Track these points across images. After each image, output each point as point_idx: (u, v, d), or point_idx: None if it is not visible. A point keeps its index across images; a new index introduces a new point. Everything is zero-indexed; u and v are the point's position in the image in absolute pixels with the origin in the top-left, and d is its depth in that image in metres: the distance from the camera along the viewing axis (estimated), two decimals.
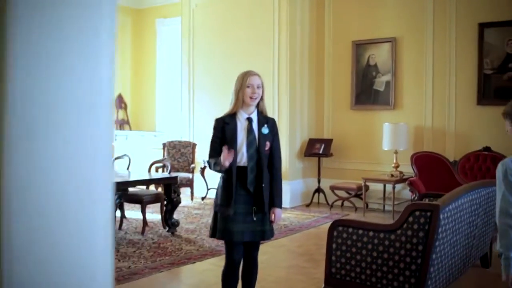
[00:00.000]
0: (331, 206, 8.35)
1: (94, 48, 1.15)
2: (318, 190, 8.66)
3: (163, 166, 7.97)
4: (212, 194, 6.76)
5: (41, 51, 1.06)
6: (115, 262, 5.16)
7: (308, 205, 8.58)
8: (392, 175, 7.71)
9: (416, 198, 6.93)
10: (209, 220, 6.61)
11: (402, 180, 7.63)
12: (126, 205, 7.09)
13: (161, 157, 9.28)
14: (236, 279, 3.46)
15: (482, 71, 7.42)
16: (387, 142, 7.79)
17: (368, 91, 8.45)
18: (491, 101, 7.34)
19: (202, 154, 8.52)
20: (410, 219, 3.39)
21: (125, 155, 7.61)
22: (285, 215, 7.79)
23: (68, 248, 1.12)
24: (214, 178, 5.95)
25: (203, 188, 8.77)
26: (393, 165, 7.81)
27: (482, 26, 7.38)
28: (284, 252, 5.77)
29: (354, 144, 8.61)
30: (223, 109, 3.50)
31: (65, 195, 1.11)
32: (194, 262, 5.25)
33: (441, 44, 7.74)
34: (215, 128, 3.41)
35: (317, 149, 8.55)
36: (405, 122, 7.87)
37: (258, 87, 3.37)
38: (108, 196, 1.19)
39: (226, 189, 3.34)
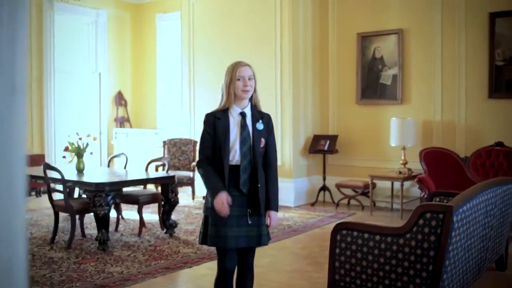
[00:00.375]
0: (337, 204, 8.06)
1: None
2: (324, 188, 8.36)
3: (163, 165, 7.69)
4: None
5: None
6: (108, 267, 4.89)
7: (313, 204, 8.29)
8: (400, 172, 7.41)
9: (425, 196, 6.63)
10: None
11: (410, 177, 7.32)
12: (125, 206, 6.83)
13: (162, 156, 9.01)
14: None
15: (494, 62, 7.10)
16: (394, 138, 7.49)
17: (374, 85, 8.14)
18: (503, 94, 7.03)
19: None
20: (421, 221, 3.09)
21: (122, 153, 7.33)
22: (289, 214, 7.51)
23: None
24: None
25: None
26: (401, 161, 7.51)
27: (493, 16, 7.05)
28: (287, 254, 5.48)
29: (360, 140, 8.30)
30: None
31: None
32: (191, 266, 4.97)
33: (450, 35, 7.42)
34: (205, 123, 3.12)
35: (322, 146, 8.26)
36: (413, 117, 7.56)
37: (250, 79, 3.09)
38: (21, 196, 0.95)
39: None
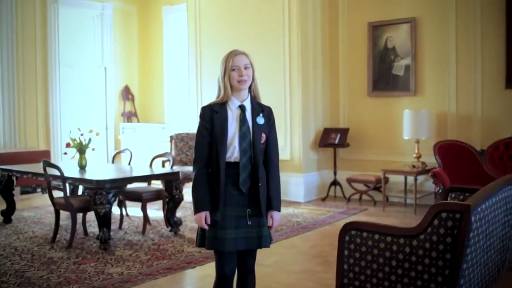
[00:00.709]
0: (348, 200, 7.82)
1: None
2: (334, 183, 8.12)
3: (168, 160, 7.50)
4: None
5: None
6: (108, 268, 4.70)
7: (323, 199, 8.05)
8: (413, 166, 7.15)
9: (440, 191, 6.37)
10: None
11: (424, 171, 7.05)
12: (131, 202, 6.62)
13: (169, 151, 8.82)
14: None
15: (511, 51, 6.79)
16: (407, 130, 7.22)
17: (386, 76, 7.87)
18: None
19: None
20: (436, 221, 2.84)
21: (126, 149, 7.13)
22: (298, 210, 7.28)
23: None
24: None
25: None
26: (414, 155, 7.24)
27: (511, 1, 6.75)
28: (296, 253, 5.25)
29: (372, 134, 8.04)
30: None
31: None
32: (194, 267, 4.76)
33: (465, 23, 7.12)
34: (202, 117, 2.90)
35: (332, 139, 8.01)
36: (427, 109, 7.27)
37: (246, 68, 2.85)
38: None
39: (213, 189, 2.83)
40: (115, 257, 5.05)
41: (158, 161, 7.95)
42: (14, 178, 6.74)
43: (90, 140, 6.25)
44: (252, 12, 8.34)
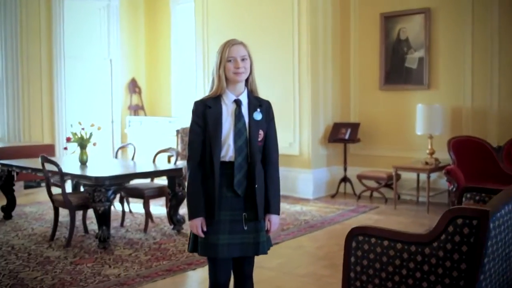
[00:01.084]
0: (359, 197, 7.57)
1: None
2: (344, 179, 7.87)
3: (172, 156, 7.28)
4: None
5: None
6: (105, 269, 4.50)
7: (333, 196, 7.81)
8: (426, 163, 6.88)
9: (454, 189, 6.10)
10: None
11: (438, 168, 6.79)
12: (134, 199, 6.40)
13: (174, 145, 8.63)
14: None
15: None
16: (420, 125, 6.95)
17: (399, 69, 7.59)
18: None
19: None
20: (450, 228, 2.60)
21: (130, 143, 6.94)
22: (307, 208, 7.05)
23: None
24: None
25: None
26: (427, 151, 6.97)
27: None
28: (301, 255, 5.02)
29: (384, 129, 7.77)
30: None
31: None
32: (194, 269, 4.54)
33: (482, 14, 6.82)
34: (194, 113, 2.67)
35: (342, 134, 7.76)
36: (441, 103, 7.00)
37: (243, 59, 2.62)
38: None
39: (206, 190, 2.61)
40: (113, 257, 4.85)
41: (164, 156, 7.76)
42: (14, 174, 6.57)
43: (91, 134, 6.06)
44: (260, 3, 8.09)
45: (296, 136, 7.81)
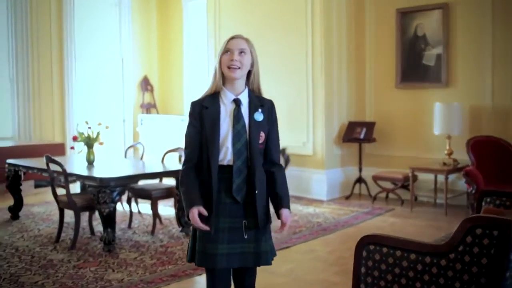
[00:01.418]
0: (374, 198, 7.35)
1: None
2: (359, 180, 7.65)
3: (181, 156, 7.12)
4: None
5: None
6: (108, 273, 4.35)
7: (347, 197, 7.60)
8: (444, 164, 6.64)
9: (473, 191, 5.86)
10: None
11: (456, 169, 6.55)
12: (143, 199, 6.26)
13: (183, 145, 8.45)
14: None
15: None
16: (438, 125, 6.71)
17: (415, 66, 7.35)
18: None
19: None
20: (469, 239, 2.40)
21: (138, 143, 6.79)
22: (320, 209, 6.86)
23: None
24: None
25: None
26: (445, 152, 6.73)
27: None
28: (312, 260, 4.82)
29: (400, 128, 7.53)
30: None
31: None
32: (201, 274, 4.36)
33: (503, 8, 6.56)
34: (191, 115, 2.51)
35: (357, 134, 7.53)
36: (459, 102, 6.74)
37: (241, 53, 2.43)
38: None
39: (204, 196, 2.43)
40: (118, 261, 4.70)
41: (174, 155, 7.59)
42: (21, 173, 6.46)
43: (98, 133, 5.92)
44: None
45: (309, 135, 7.61)
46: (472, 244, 2.39)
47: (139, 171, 5.78)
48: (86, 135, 5.86)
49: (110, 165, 6.08)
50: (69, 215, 5.73)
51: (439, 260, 2.49)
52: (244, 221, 2.44)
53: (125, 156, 7.08)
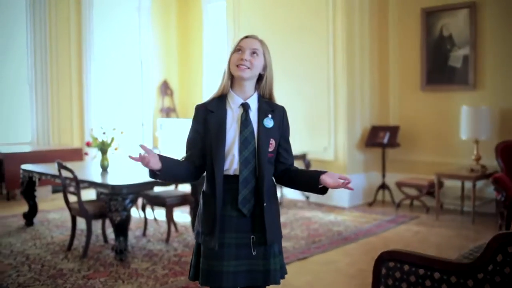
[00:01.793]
0: (398, 205, 7.08)
1: None
2: (383, 186, 7.39)
3: None
4: None
5: None
6: (118, 284, 4.19)
7: (370, 204, 7.34)
8: (472, 170, 6.35)
9: (502, 198, 5.55)
10: None
11: (484, 176, 6.25)
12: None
13: None
14: None
15: None
16: (465, 129, 6.43)
17: (441, 68, 7.07)
18: None
19: None
20: (499, 257, 2.16)
21: (155, 148, 6.63)
22: (341, 217, 6.61)
23: None
24: None
25: None
26: (473, 157, 6.45)
27: None
28: (332, 272, 4.58)
29: (426, 132, 7.26)
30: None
31: None
32: None
33: None
34: (194, 119, 2.32)
35: (381, 138, 7.28)
36: (487, 105, 6.46)
37: (253, 53, 2.24)
38: None
39: (207, 209, 2.24)
40: (129, 271, 4.53)
41: None
42: (35, 179, 6.35)
43: (113, 139, 5.77)
44: (294, 1, 7.70)
45: (331, 140, 7.38)
46: (503, 264, 2.15)
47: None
48: (100, 140, 5.72)
49: (125, 171, 5.93)
50: (83, 222, 5.59)
51: (466, 280, 2.25)
52: (252, 236, 2.24)
53: None
